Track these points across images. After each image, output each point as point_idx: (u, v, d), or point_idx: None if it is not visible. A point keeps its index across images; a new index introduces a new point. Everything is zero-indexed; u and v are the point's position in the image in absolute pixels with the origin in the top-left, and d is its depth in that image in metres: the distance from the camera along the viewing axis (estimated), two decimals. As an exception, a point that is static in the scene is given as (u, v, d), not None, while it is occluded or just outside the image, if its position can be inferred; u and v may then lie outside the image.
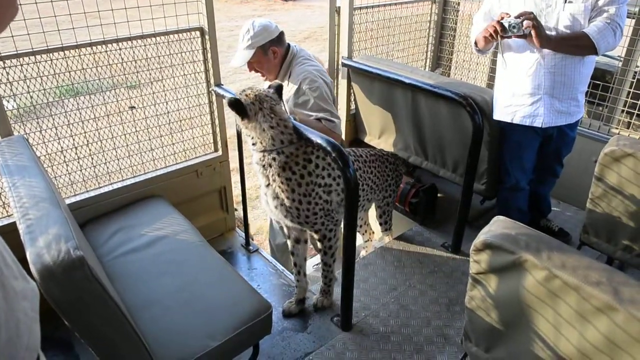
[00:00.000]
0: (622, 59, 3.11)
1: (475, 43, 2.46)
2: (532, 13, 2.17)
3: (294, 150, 2.02)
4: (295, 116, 2.30)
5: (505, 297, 1.48)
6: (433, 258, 2.73)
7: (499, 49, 2.49)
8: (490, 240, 1.42)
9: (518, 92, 2.41)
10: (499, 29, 2.19)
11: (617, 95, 3.08)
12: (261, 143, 2.00)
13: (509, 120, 2.48)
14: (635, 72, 3.04)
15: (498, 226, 1.48)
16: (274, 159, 2.01)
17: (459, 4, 3.76)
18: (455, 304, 2.41)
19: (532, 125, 2.43)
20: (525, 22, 2.14)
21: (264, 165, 2.04)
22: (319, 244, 2.27)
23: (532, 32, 2.15)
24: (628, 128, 3.46)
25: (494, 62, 3.62)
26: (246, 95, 2.00)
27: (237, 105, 1.95)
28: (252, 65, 2.62)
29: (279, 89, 2.09)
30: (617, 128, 3.05)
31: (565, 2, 2.22)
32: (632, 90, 2.91)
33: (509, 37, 2.21)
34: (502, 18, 2.20)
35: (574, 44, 2.22)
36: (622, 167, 2.09)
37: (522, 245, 1.37)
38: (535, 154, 2.60)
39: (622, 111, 3.07)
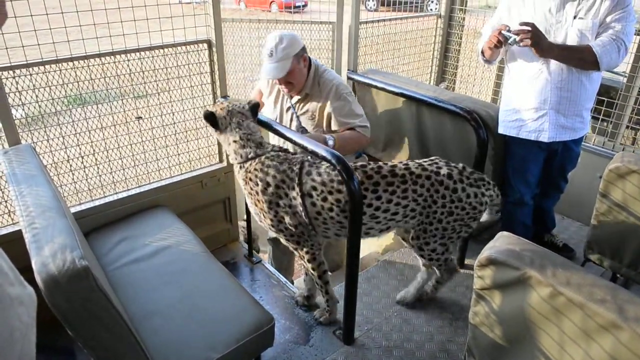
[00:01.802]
0: (627, 75, 3.12)
1: (482, 53, 2.48)
2: (532, 27, 2.17)
3: (254, 165, 2.09)
4: (332, 138, 2.41)
5: (509, 313, 1.48)
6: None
7: (505, 59, 2.51)
8: (495, 256, 1.42)
9: (524, 106, 2.43)
10: (501, 39, 2.23)
11: (621, 112, 3.08)
12: (230, 155, 2.17)
13: (514, 135, 2.49)
14: (640, 89, 3.05)
15: (502, 242, 1.48)
16: (238, 172, 2.16)
17: (464, 19, 3.78)
18: (459, 318, 2.39)
19: (538, 140, 2.43)
20: (520, 39, 2.17)
21: (239, 176, 2.18)
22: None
23: (531, 49, 2.19)
24: (633, 144, 3.46)
25: (499, 76, 3.64)
26: (220, 109, 2.14)
27: (210, 118, 2.13)
28: (286, 76, 2.48)
29: (254, 107, 2.21)
30: (622, 144, 3.05)
31: (575, 18, 2.24)
32: (636, 106, 2.92)
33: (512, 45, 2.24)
34: (503, 29, 2.22)
35: (577, 56, 2.24)
36: (627, 183, 2.09)
37: (526, 261, 1.37)
38: (540, 168, 2.61)
39: (627, 127, 3.08)
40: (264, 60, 2.45)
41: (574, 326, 1.31)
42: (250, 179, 2.09)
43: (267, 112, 2.73)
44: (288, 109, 2.66)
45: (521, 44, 2.18)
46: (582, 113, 2.42)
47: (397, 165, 2.08)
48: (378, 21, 3.48)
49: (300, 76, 2.53)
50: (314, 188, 2.04)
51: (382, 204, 2.04)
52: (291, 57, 2.44)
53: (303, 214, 2.08)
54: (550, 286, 1.31)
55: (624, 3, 2.19)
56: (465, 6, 3.76)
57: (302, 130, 2.60)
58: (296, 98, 2.63)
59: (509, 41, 2.21)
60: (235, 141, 2.11)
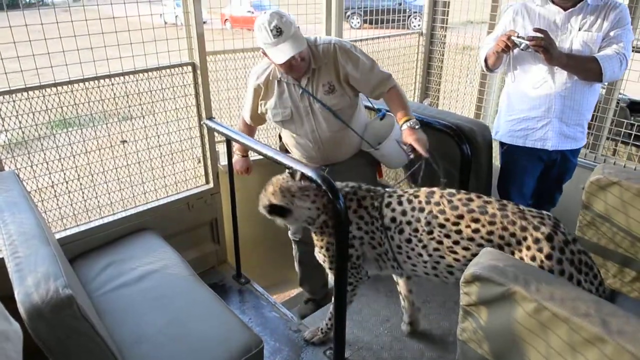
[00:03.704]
0: (605, 86, 3.19)
1: (485, 60, 2.52)
2: (544, 34, 2.20)
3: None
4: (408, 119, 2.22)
5: (496, 329, 1.48)
6: (425, 288, 2.72)
7: (508, 67, 2.53)
8: (479, 272, 1.43)
9: (529, 115, 2.48)
10: (509, 44, 2.26)
11: (601, 123, 3.15)
12: (314, 218, 2.06)
13: (520, 144, 2.55)
14: (619, 100, 3.12)
15: (486, 258, 1.49)
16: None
17: (445, 36, 3.85)
18: (449, 334, 2.39)
19: (542, 148, 2.50)
20: (533, 45, 2.19)
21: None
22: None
23: (542, 55, 2.22)
24: (614, 155, 3.52)
25: (481, 92, 3.70)
26: (273, 195, 2.04)
27: (276, 210, 2.03)
28: (303, 51, 2.19)
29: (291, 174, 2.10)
30: (603, 155, 3.11)
31: (580, 30, 2.32)
32: (615, 118, 2.98)
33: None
34: (513, 35, 2.25)
35: (584, 66, 2.30)
36: (608, 195, 2.12)
37: (510, 277, 1.38)
38: (535, 181, 2.65)
39: (607, 138, 3.14)
40: (271, 44, 2.12)
41: (559, 340, 1.31)
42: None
43: (274, 113, 2.43)
44: (302, 95, 2.34)
45: (532, 49, 2.21)
46: (583, 123, 2.49)
47: (492, 201, 1.80)
48: (361, 40, 3.53)
49: (308, 53, 2.26)
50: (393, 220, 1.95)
51: (461, 240, 1.80)
52: (297, 27, 2.18)
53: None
54: (535, 301, 1.32)
55: (625, 20, 2.29)
56: (446, 24, 3.83)
57: (329, 110, 2.33)
58: (305, 80, 2.32)
59: (521, 46, 2.24)
60: (309, 209, 2.05)
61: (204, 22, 2.59)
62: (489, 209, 1.77)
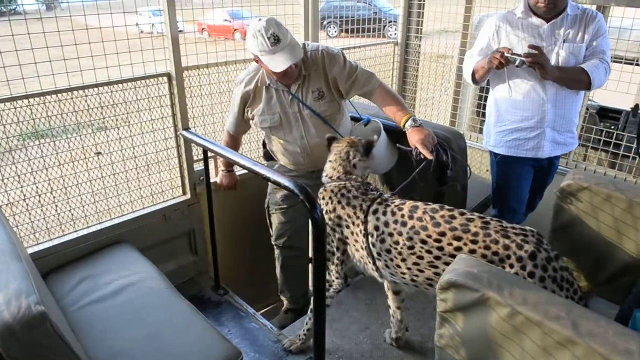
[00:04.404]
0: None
1: (473, 74, 2.55)
2: (539, 50, 2.25)
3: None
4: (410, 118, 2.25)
5: (472, 334, 1.50)
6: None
7: (498, 80, 2.57)
8: (454, 279, 1.45)
9: (521, 125, 2.53)
10: (503, 61, 2.29)
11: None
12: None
13: (513, 154, 2.59)
14: (588, 107, 3.21)
15: (462, 264, 1.52)
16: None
17: (419, 45, 3.92)
18: (428, 340, 2.41)
19: (536, 157, 2.56)
20: (529, 62, 2.23)
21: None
22: None
23: (537, 70, 2.28)
24: (584, 160, 3.62)
25: (455, 100, 3.76)
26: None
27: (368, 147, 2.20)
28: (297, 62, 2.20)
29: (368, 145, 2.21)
30: (574, 161, 3.19)
31: (564, 42, 2.38)
32: (585, 124, 3.06)
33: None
34: (506, 52, 2.29)
35: (575, 77, 2.37)
36: (579, 200, 2.18)
37: (484, 283, 1.41)
38: (529, 185, 2.72)
39: (578, 144, 3.22)
40: (267, 52, 2.11)
41: (533, 344, 1.34)
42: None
43: (262, 119, 2.41)
44: (291, 101, 2.36)
45: (527, 65, 2.26)
46: (572, 128, 2.58)
47: (474, 218, 1.80)
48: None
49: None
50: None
51: (443, 256, 1.82)
52: (292, 36, 2.18)
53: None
54: (509, 306, 1.35)
55: (603, 29, 2.39)
56: (421, 33, 3.90)
57: (318, 116, 2.36)
58: (295, 86, 2.34)
59: (516, 63, 2.28)
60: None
61: (180, 31, 2.58)
62: (472, 227, 1.77)
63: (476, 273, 1.44)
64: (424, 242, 1.84)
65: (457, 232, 1.78)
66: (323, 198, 2.14)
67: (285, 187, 1.94)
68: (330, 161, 2.22)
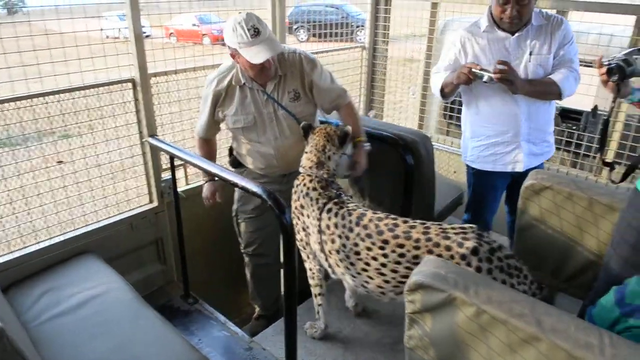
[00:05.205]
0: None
1: (442, 89, 2.53)
2: (508, 66, 2.24)
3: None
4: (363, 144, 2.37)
5: (440, 334, 1.52)
6: (375, 298, 2.75)
7: (469, 95, 2.57)
8: (422, 280, 1.46)
9: (497, 140, 2.52)
10: (471, 77, 2.29)
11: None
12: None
13: (489, 169, 2.59)
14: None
15: (429, 265, 1.53)
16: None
17: (387, 49, 3.96)
18: (399, 342, 2.41)
19: (513, 171, 2.55)
20: (497, 78, 2.22)
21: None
22: None
23: (507, 86, 2.28)
24: (547, 160, 3.71)
25: (423, 103, 3.81)
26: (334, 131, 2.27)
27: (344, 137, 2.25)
28: (272, 58, 2.19)
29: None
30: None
31: (531, 54, 2.38)
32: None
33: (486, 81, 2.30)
34: (474, 67, 2.28)
35: (544, 89, 2.38)
36: (542, 199, 2.24)
37: (451, 283, 1.43)
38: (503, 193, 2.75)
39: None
40: (247, 44, 2.08)
41: (499, 341, 1.36)
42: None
43: (235, 120, 2.37)
44: (266, 102, 2.33)
45: (496, 82, 2.24)
46: (547, 137, 2.58)
47: (416, 225, 1.85)
48: (306, 54, 3.56)
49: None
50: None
51: (389, 263, 1.87)
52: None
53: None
54: (474, 305, 1.37)
55: (570, 35, 2.38)
56: (388, 38, 3.94)
57: (294, 117, 2.36)
58: (271, 86, 2.32)
59: (484, 79, 2.26)
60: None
61: (147, 36, 2.54)
62: (413, 233, 1.82)
63: (443, 274, 1.46)
64: (369, 249, 1.90)
65: (400, 239, 1.83)
66: (297, 186, 2.21)
67: (253, 193, 1.93)
68: (306, 152, 2.25)
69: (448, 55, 2.56)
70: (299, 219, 2.20)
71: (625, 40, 2.78)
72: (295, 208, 2.20)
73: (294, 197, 2.21)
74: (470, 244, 1.71)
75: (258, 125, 2.37)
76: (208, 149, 2.57)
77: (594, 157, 3.12)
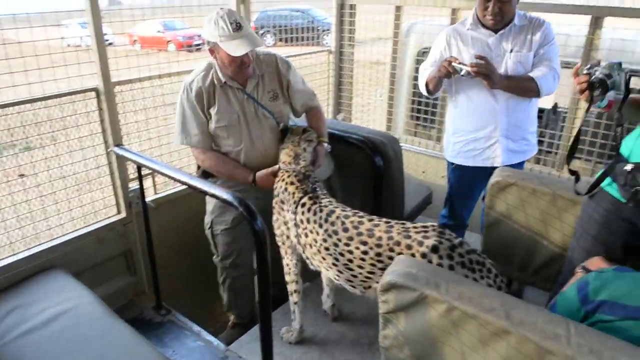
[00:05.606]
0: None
1: (427, 85, 2.60)
2: (485, 60, 2.32)
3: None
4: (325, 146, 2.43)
5: (414, 332, 1.54)
6: (351, 300, 2.76)
7: (451, 90, 2.65)
8: (394, 280, 1.49)
9: (476, 135, 2.59)
10: (450, 70, 2.36)
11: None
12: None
13: (469, 164, 2.65)
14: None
15: (401, 265, 1.56)
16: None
17: (353, 53, 4.00)
18: (375, 342, 2.44)
19: (492, 166, 2.58)
20: (474, 72, 2.30)
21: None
22: None
23: (483, 80, 2.34)
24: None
25: (390, 105, 3.87)
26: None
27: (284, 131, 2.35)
28: (251, 54, 2.20)
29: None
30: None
31: (511, 52, 2.46)
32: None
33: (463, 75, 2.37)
34: (454, 61, 2.35)
35: (522, 86, 2.44)
36: (508, 195, 2.30)
37: (422, 281, 1.45)
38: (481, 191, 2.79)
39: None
40: (228, 37, 2.07)
41: (470, 336, 1.40)
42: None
43: (218, 118, 2.29)
44: (247, 101, 2.31)
45: (473, 75, 2.32)
46: (527, 136, 2.63)
47: (380, 224, 1.88)
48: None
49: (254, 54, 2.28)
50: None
51: (354, 259, 1.91)
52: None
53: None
54: (446, 302, 1.40)
55: (550, 36, 2.46)
56: (354, 41, 3.98)
57: (272, 117, 2.36)
58: (251, 86, 2.30)
59: (462, 73, 2.33)
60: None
61: (110, 44, 2.49)
62: (376, 232, 1.85)
63: (415, 273, 1.49)
64: (336, 245, 1.95)
65: (363, 237, 1.87)
66: (277, 182, 2.24)
67: (223, 200, 1.92)
68: (283, 148, 2.29)
69: (434, 52, 2.65)
70: (279, 214, 2.24)
71: (581, 40, 2.88)
72: (276, 203, 2.24)
73: (275, 193, 2.24)
74: (430, 242, 1.73)
75: (241, 124, 2.32)
76: (223, 159, 2.38)
77: (556, 153, 3.22)
